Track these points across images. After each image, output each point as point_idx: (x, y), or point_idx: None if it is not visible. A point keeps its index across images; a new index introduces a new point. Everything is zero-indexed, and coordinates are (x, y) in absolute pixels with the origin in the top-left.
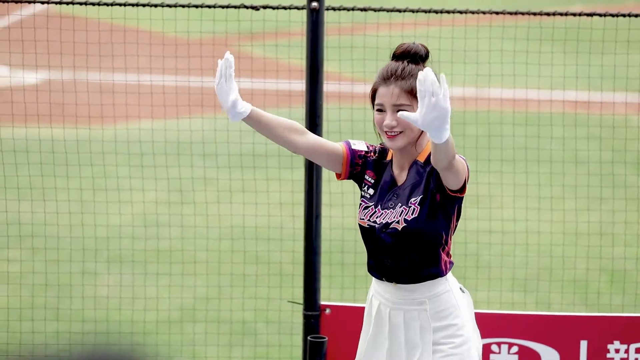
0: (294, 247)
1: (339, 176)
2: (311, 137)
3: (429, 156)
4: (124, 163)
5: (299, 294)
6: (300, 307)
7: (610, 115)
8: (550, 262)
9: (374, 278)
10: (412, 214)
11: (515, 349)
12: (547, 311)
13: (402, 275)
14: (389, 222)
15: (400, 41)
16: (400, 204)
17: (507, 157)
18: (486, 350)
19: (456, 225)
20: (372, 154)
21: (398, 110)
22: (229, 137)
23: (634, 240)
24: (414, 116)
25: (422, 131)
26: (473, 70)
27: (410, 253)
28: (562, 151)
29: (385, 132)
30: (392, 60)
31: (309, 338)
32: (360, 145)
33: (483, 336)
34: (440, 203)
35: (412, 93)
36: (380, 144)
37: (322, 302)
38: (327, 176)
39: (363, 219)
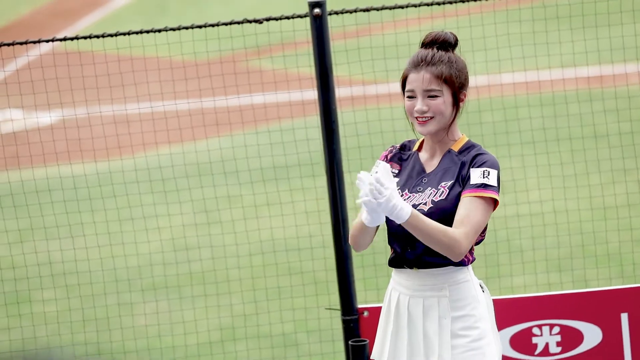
0: (324, 254)
1: None
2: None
3: (463, 146)
4: (147, 191)
5: (335, 300)
6: (338, 313)
7: (625, 87)
8: (581, 239)
9: (394, 271)
10: (439, 196)
11: (556, 329)
12: (584, 288)
13: (424, 261)
14: (417, 204)
15: (407, 38)
16: (430, 187)
17: (526, 140)
18: (527, 334)
19: (482, 237)
20: (389, 154)
21: (429, 96)
22: (247, 153)
23: None
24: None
25: (454, 118)
26: (482, 58)
27: None
28: (581, 127)
29: (417, 117)
30: (421, 47)
31: (350, 343)
32: (376, 168)
33: (523, 320)
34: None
35: (441, 78)
36: (402, 143)
37: (359, 306)
38: (350, 179)
39: None
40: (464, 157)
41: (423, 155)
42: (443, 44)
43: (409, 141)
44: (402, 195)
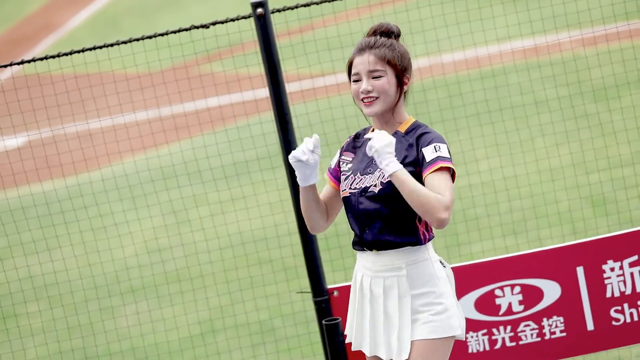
0: (291, 241)
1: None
2: (326, 210)
3: (410, 127)
4: (116, 199)
5: (305, 283)
6: (310, 296)
7: (558, 53)
8: (532, 201)
9: (357, 253)
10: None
11: (517, 289)
12: (539, 248)
13: (381, 242)
14: (367, 186)
15: (348, 29)
16: (379, 169)
17: (471, 113)
18: (491, 296)
19: None
20: (345, 145)
21: (373, 77)
22: (207, 153)
23: (605, 164)
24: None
25: (399, 99)
26: (422, 40)
27: (387, 217)
28: (521, 96)
29: (362, 99)
30: (366, 36)
31: (323, 322)
32: (335, 158)
33: (486, 284)
34: (418, 176)
35: (385, 60)
36: (356, 133)
37: (329, 286)
38: None
39: (345, 190)
40: (411, 137)
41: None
42: (386, 32)
43: (364, 129)
44: (354, 179)
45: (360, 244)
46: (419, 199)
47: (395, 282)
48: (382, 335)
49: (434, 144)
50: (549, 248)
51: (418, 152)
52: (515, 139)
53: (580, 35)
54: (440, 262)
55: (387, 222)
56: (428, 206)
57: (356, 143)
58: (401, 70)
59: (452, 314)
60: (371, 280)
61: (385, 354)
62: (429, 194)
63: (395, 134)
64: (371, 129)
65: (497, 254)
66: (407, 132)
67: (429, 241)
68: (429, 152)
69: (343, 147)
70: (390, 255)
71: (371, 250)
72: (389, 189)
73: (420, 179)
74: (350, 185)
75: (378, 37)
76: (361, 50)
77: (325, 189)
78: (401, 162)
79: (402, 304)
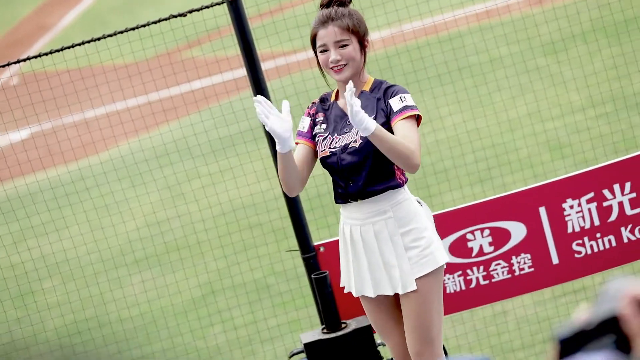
0: (277, 204)
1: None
2: (301, 172)
3: (373, 85)
4: (115, 179)
5: (293, 242)
6: (299, 253)
7: (508, 15)
8: (494, 151)
9: (341, 207)
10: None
11: (487, 232)
12: (504, 193)
13: (366, 191)
14: (347, 143)
15: (314, 7)
16: (354, 127)
17: (432, 75)
18: (463, 240)
19: None
20: (313, 109)
21: (340, 46)
22: (195, 131)
23: (558, 112)
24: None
25: (364, 63)
26: (382, 11)
27: (369, 168)
28: (477, 55)
29: (332, 68)
30: (321, 8)
31: (312, 276)
32: (305, 122)
33: (458, 229)
34: (388, 126)
35: (348, 29)
36: (320, 97)
37: (315, 243)
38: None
39: (324, 150)
40: (377, 93)
41: (341, 102)
42: (339, 2)
43: (326, 94)
44: (332, 139)
45: (345, 196)
46: (396, 152)
47: (384, 225)
48: (384, 275)
49: (400, 95)
50: (512, 192)
51: (386, 103)
52: (475, 95)
53: None
54: (417, 201)
55: (369, 173)
56: (403, 156)
57: (323, 106)
58: (362, 36)
59: (437, 246)
60: (360, 229)
61: (391, 290)
62: (402, 144)
63: (361, 93)
64: (334, 92)
65: (466, 201)
66: (372, 90)
67: (405, 184)
68: (395, 103)
69: (310, 111)
70: (375, 202)
71: (356, 200)
72: (368, 142)
73: (390, 129)
74: (330, 144)
75: (336, 7)
76: (324, 22)
77: (298, 151)
78: (374, 117)
79: (394, 242)
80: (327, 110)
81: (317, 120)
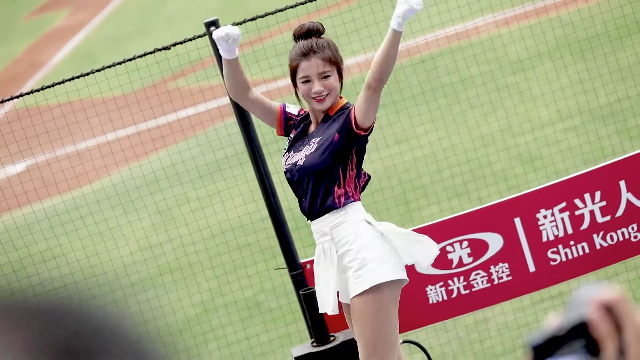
0: (264, 225)
1: (278, 132)
2: (256, 93)
3: (340, 109)
4: (108, 207)
5: (281, 260)
6: (286, 271)
7: (477, 36)
8: (469, 166)
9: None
10: (310, 150)
11: (465, 243)
12: (480, 206)
13: (312, 210)
14: (297, 160)
15: (290, 36)
16: (307, 146)
17: (407, 96)
18: (443, 252)
19: (356, 169)
20: (300, 118)
21: (323, 77)
22: (182, 158)
23: (529, 127)
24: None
25: (340, 89)
26: (357, 37)
27: (312, 187)
28: (449, 76)
29: (314, 98)
30: (298, 40)
31: (300, 292)
32: (293, 110)
33: (437, 242)
34: (338, 143)
35: (330, 61)
36: (305, 110)
37: (302, 261)
38: (271, 161)
39: (283, 165)
40: (338, 115)
41: (312, 122)
42: (316, 32)
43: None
44: (289, 156)
45: (304, 214)
46: (393, 60)
47: (329, 246)
48: (331, 293)
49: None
50: (488, 205)
51: (344, 114)
52: (449, 114)
53: (494, 18)
54: (366, 220)
55: (312, 193)
56: (391, 69)
57: (304, 122)
58: (340, 65)
59: (379, 264)
60: (317, 246)
61: (332, 311)
62: (393, 62)
63: (325, 116)
64: (305, 113)
65: (444, 215)
66: (336, 113)
67: (345, 205)
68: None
69: (300, 113)
70: (320, 222)
71: (308, 219)
72: (309, 160)
73: (338, 147)
74: (286, 161)
75: (315, 39)
76: (306, 55)
77: (270, 103)
78: (322, 135)
79: (333, 263)
80: (297, 128)
81: (292, 126)
